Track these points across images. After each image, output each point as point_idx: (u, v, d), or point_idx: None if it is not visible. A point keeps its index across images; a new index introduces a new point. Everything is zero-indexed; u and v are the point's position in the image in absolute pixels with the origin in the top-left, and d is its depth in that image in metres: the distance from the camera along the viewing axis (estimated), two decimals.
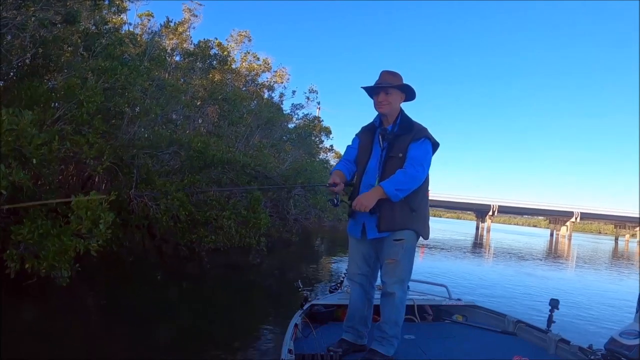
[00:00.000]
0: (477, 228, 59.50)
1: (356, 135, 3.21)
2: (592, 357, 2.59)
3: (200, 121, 12.96)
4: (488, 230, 53.36)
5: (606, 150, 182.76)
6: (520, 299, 8.55)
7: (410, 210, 2.82)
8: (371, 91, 3.04)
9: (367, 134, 3.12)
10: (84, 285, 6.12)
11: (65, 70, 6.13)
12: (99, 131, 5.42)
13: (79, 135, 5.12)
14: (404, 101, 3.07)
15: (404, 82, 3.01)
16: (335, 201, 3.02)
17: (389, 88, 2.95)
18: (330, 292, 4.07)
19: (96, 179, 8.51)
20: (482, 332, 3.50)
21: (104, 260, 6.13)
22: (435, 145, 2.94)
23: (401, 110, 3.04)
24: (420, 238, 2.95)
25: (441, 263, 14.37)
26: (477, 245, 28.02)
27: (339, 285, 4.10)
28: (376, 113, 3.08)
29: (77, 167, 7.94)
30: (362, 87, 3.07)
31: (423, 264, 12.71)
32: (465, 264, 15.50)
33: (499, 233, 51.23)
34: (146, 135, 7.87)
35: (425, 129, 2.94)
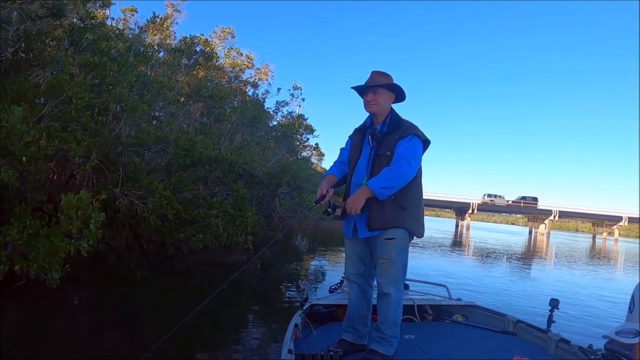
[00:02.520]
0: (457, 226, 60.08)
1: (349, 136, 3.24)
2: (592, 357, 2.62)
3: (181, 118, 12.82)
4: (468, 228, 54.02)
5: (589, 151, 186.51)
6: (510, 299, 8.62)
7: (400, 209, 2.83)
8: (360, 91, 3.05)
9: (358, 134, 3.14)
10: (69, 285, 5.99)
11: (50, 66, 5.97)
12: (87, 128, 5.29)
13: (67, 132, 4.98)
14: (395, 101, 3.09)
15: (394, 82, 3.02)
16: (330, 211, 3.01)
17: (377, 87, 2.97)
18: (330, 292, 4.08)
19: (77, 177, 8.33)
20: (482, 332, 3.52)
21: (89, 260, 6.01)
22: (425, 143, 2.96)
23: (391, 110, 3.05)
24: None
25: (424, 263, 14.44)
26: (459, 243, 28.25)
27: (339, 285, 4.11)
28: (367, 114, 3.10)
29: (59, 165, 7.75)
30: (351, 87, 3.08)
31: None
32: (450, 264, 15.60)
33: (479, 231, 51.83)
34: (132, 132, 7.73)
35: (414, 127, 2.94)
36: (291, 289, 8.05)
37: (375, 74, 3.04)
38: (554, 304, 3.14)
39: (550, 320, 3.12)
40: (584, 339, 3.07)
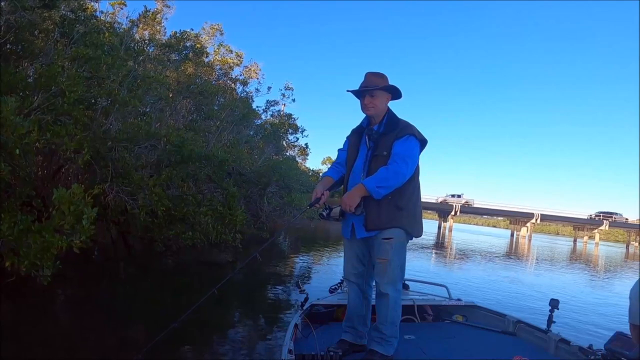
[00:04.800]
0: (439, 227, 60.35)
1: (347, 137, 3.25)
2: (592, 357, 2.66)
3: (168, 114, 12.68)
4: (450, 230, 54.37)
5: (572, 155, 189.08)
6: (498, 299, 8.67)
7: (397, 209, 2.83)
8: (357, 94, 3.05)
9: (356, 135, 3.15)
10: (57, 282, 5.86)
11: (41, 58, 5.84)
12: (79, 122, 5.18)
13: (59, 125, 4.87)
14: (391, 100, 3.08)
15: (389, 81, 3.02)
16: (325, 214, 2.99)
17: (373, 90, 2.97)
18: (330, 292, 4.07)
19: (64, 171, 8.17)
20: (482, 332, 3.54)
21: (76, 256, 5.89)
22: (422, 142, 2.97)
23: (388, 110, 3.06)
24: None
25: (412, 263, 14.47)
26: (441, 245, 28.29)
27: (339, 285, 4.10)
28: (364, 114, 3.09)
29: (46, 158, 7.60)
30: (347, 91, 3.07)
31: None
32: (439, 265, 15.67)
33: (462, 233, 52.16)
34: (121, 128, 7.62)
35: (410, 127, 2.95)
36: (281, 289, 8.02)
37: (370, 75, 3.03)
38: (554, 304, 3.17)
39: (550, 321, 3.15)
40: (584, 339, 3.10)
